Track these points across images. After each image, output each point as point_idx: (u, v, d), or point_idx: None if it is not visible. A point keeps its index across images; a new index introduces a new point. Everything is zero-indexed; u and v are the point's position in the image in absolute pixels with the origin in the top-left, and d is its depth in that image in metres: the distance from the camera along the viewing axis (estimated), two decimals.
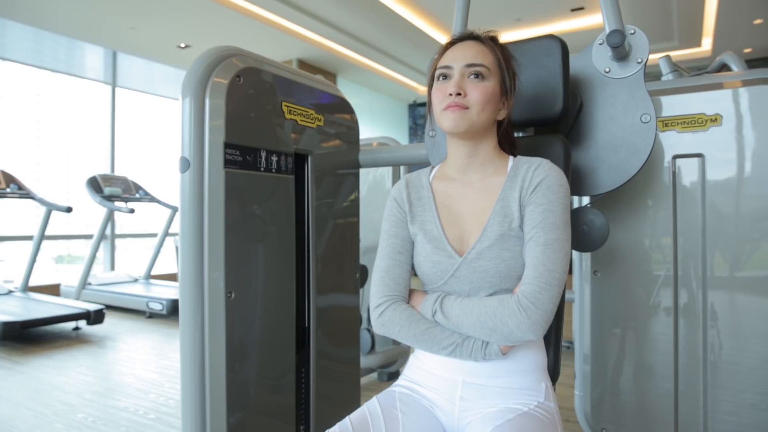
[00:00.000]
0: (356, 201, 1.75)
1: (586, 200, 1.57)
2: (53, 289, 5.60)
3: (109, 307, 4.86)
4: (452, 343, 0.96)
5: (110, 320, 4.58)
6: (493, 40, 1.04)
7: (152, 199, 5.43)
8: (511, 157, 1.06)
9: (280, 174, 1.40)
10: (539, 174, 0.98)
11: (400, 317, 0.99)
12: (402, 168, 2.81)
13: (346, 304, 1.71)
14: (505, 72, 1.03)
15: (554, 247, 0.93)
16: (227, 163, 1.24)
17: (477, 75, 0.99)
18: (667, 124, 1.45)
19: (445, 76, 1.02)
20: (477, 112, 0.98)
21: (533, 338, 0.91)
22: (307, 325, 1.54)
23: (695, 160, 1.43)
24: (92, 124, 6.58)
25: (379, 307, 1.02)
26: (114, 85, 6.78)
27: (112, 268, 6.47)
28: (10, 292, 4.80)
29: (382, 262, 1.05)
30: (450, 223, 1.03)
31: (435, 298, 0.99)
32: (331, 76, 7.74)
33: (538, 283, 0.91)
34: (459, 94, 0.98)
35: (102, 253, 6.42)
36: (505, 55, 1.04)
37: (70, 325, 4.28)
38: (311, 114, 1.53)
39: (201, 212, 1.21)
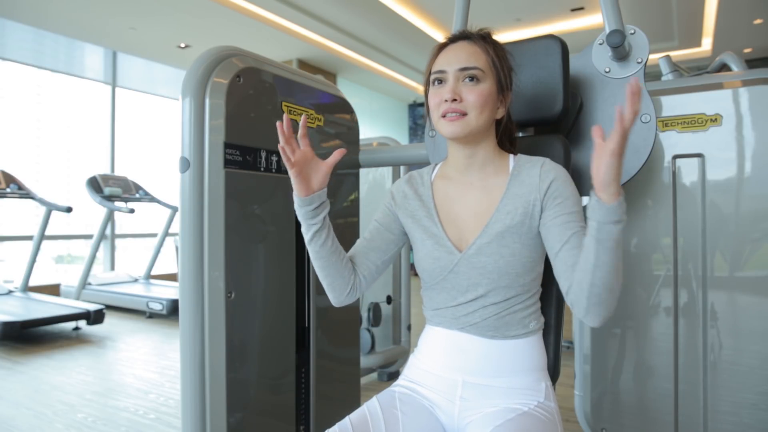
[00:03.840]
0: (356, 201, 1.75)
1: (586, 200, 1.57)
2: (53, 289, 5.60)
3: (109, 307, 4.85)
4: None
5: (110, 320, 4.58)
6: (485, 38, 1.03)
7: (152, 199, 5.43)
8: (511, 156, 1.06)
9: (280, 174, 1.40)
10: (548, 171, 1.00)
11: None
12: (402, 168, 2.81)
13: None
14: (500, 70, 1.01)
15: None
16: (227, 163, 1.24)
17: (472, 78, 0.98)
18: (667, 124, 1.45)
19: (440, 81, 1.01)
20: (475, 116, 0.98)
21: (597, 325, 0.92)
22: (307, 325, 1.54)
23: (695, 160, 1.43)
24: (92, 124, 6.58)
25: None
26: (114, 85, 6.78)
27: (112, 268, 6.47)
28: (10, 292, 4.80)
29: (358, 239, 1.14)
30: (449, 223, 1.04)
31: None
32: (331, 76, 7.74)
33: None
34: (455, 99, 0.97)
35: (102, 253, 6.42)
36: (498, 53, 1.02)
37: (70, 325, 4.27)
38: (311, 114, 1.53)
39: (201, 212, 1.21)
